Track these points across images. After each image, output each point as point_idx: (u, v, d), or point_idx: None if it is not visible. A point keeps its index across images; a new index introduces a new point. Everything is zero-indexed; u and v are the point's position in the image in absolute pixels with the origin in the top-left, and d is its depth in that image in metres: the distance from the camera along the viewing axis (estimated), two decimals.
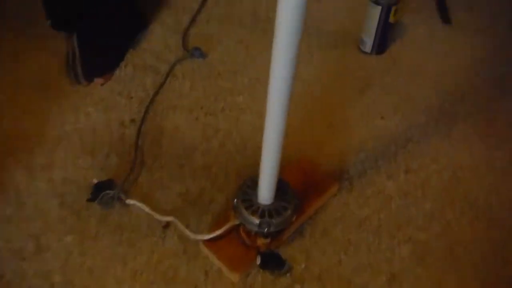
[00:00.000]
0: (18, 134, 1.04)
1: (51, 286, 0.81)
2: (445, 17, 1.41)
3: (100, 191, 0.91)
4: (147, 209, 0.90)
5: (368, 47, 1.27)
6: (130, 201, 0.91)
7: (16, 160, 0.98)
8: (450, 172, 1.01)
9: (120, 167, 0.98)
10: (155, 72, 1.19)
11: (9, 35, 1.27)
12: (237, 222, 0.83)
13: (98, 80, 1.16)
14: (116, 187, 0.92)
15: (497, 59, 1.29)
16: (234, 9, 1.39)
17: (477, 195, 0.98)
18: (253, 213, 0.80)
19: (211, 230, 0.85)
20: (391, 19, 1.22)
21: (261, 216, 0.80)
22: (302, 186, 0.91)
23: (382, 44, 1.27)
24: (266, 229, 0.80)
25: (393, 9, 1.20)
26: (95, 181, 0.94)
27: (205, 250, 0.85)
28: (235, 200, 0.83)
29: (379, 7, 1.19)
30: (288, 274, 0.84)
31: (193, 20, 1.35)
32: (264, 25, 1.33)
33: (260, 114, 1.09)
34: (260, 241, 0.82)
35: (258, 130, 1.07)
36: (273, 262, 0.83)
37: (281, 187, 0.82)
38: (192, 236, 0.85)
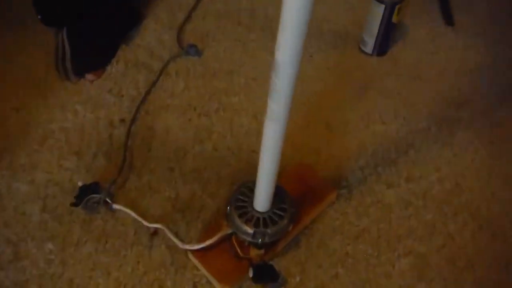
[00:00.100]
0: (1, 132, 0.99)
1: None
2: (448, 19, 1.37)
3: (85, 195, 0.87)
4: (134, 215, 0.85)
5: (369, 48, 1.23)
6: (116, 206, 0.87)
7: None
8: (452, 181, 0.97)
9: (107, 169, 0.94)
10: (148, 69, 1.15)
11: None
12: (229, 231, 0.78)
13: (89, 76, 1.11)
14: (102, 191, 0.87)
15: (501, 63, 1.25)
16: (231, 6, 1.35)
17: (480, 205, 0.94)
18: (247, 221, 0.76)
19: (201, 239, 0.81)
20: (394, 19, 1.18)
21: (256, 225, 0.76)
22: (299, 193, 0.86)
23: (384, 44, 1.22)
24: (260, 240, 0.75)
25: (397, 8, 1.15)
26: (80, 184, 0.89)
27: (194, 261, 0.81)
28: (228, 207, 0.79)
29: (383, 6, 1.15)
30: None
31: (188, 16, 1.30)
32: (262, 23, 1.28)
33: (256, 116, 1.06)
34: (254, 252, 0.78)
35: (254, 132, 1.04)
36: (267, 275, 0.79)
37: (278, 194, 0.77)
38: (180, 245, 0.81)
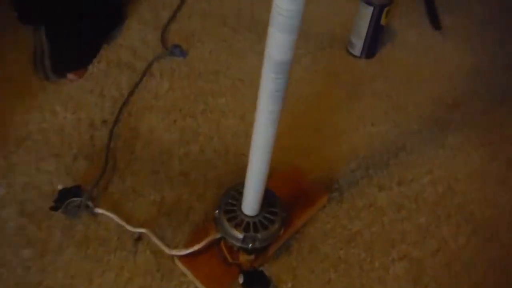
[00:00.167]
0: None
1: None
2: (435, 23, 1.36)
3: (65, 199, 0.82)
4: (117, 219, 0.81)
5: (357, 50, 1.21)
6: (98, 210, 0.83)
7: None
8: (445, 184, 0.96)
9: (89, 172, 0.89)
10: (131, 69, 1.11)
11: None
12: (218, 235, 0.75)
13: (70, 76, 1.07)
14: (83, 194, 0.83)
15: (488, 66, 1.25)
16: (217, 6, 1.32)
17: (473, 208, 0.92)
18: (237, 226, 0.73)
19: (188, 244, 0.77)
20: (383, 21, 1.16)
21: (246, 230, 0.72)
22: (289, 196, 0.83)
23: (372, 47, 1.21)
24: (250, 245, 0.72)
25: (385, 10, 1.14)
26: (60, 187, 0.85)
27: (181, 267, 0.77)
28: (217, 211, 0.76)
29: (371, 8, 1.13)
30: None
31: (173, 16, 1.27)
32: (249, 24, 1.26)
33: (243, 118, 1.03)
34: (243, 258, 0.74)
35: (241, 134, 1.01)
36: (257, 282, 0.75)
37: (268, 197, 0.74)
38: (167, 250, 0.77)
